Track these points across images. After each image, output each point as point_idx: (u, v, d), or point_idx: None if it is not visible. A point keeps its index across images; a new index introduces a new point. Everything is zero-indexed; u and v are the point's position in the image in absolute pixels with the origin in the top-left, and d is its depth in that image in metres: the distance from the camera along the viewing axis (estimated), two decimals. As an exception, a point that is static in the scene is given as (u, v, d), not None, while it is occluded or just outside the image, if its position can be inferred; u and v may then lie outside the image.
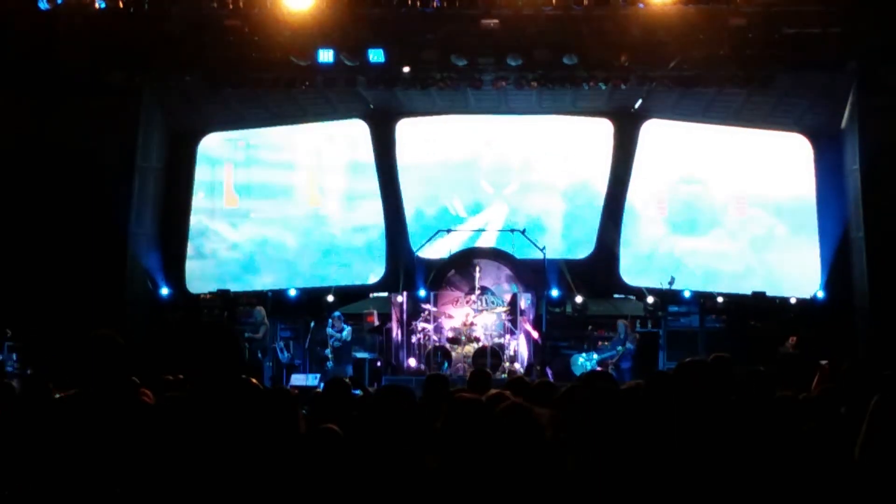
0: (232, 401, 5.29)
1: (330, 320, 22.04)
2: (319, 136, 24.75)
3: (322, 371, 21.37)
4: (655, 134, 23.94)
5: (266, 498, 5.27)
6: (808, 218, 23.40)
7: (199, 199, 24.55)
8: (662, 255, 24.20)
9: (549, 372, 20.48)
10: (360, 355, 21.82)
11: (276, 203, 24.76)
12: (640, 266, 24.09)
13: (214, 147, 24.68)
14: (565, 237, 24.29)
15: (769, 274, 23.54)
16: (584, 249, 24.07)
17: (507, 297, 22.66)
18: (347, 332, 21.96)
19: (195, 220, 24.45)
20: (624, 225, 24.07)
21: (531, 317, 22.52)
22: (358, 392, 16.66)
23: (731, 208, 24.12)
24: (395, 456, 5.97)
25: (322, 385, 19.39)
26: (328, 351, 21.75)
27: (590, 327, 22.27)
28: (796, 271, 23.32)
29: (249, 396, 5.42)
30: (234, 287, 23.60)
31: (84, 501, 5.52)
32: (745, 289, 22.69)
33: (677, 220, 24.31)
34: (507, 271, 23.16)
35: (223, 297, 22.63)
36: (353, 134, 24.43)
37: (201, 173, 24.52)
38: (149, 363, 12.08)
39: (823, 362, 10.27)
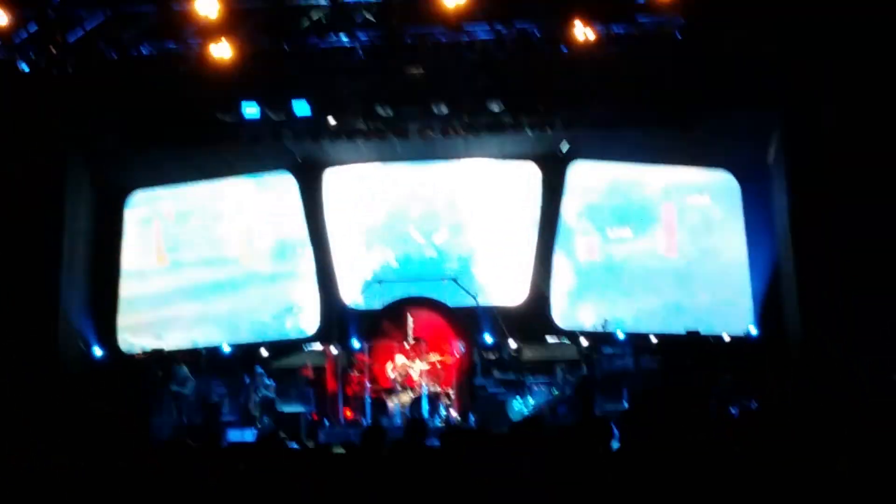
0: None
1: (252, 377, 21.97)
2: (248, 189, 24.60)
3: (257, 426, 21.21)
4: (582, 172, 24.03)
5: None
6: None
7: (128, 257, 24.32)
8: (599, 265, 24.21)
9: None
10: (288, 409, 21.56)
11: (206, 259, 24.53)
12: (578, 284, 24.07)
13: (143, 204, 24.51)
14: (497, 278, 24.16)
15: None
16: (515, 291, 23.94)
17: (441, 345, 22.55)
18: (271, 386, 21.84)
19: (125, 277, 24.20)
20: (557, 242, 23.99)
21: (465, 364, 22.44)
22: (294, 445, 16.64)
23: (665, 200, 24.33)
24: None
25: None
26: (251, 406, 21.58)
27: (524, 372, 22.16)
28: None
29: None
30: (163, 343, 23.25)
31: None
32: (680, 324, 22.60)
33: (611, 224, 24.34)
34: (439, 319, 23.10)
35: (157, 356, 22.31)
36: (281, 184, 24.30)
37: (130, 231, 24.35)
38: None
39: None
